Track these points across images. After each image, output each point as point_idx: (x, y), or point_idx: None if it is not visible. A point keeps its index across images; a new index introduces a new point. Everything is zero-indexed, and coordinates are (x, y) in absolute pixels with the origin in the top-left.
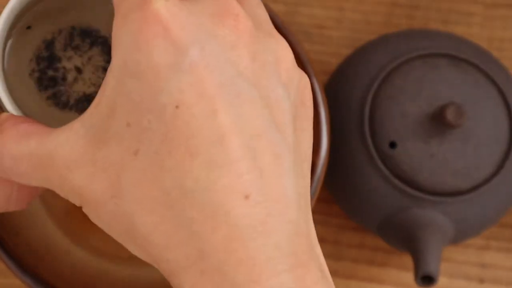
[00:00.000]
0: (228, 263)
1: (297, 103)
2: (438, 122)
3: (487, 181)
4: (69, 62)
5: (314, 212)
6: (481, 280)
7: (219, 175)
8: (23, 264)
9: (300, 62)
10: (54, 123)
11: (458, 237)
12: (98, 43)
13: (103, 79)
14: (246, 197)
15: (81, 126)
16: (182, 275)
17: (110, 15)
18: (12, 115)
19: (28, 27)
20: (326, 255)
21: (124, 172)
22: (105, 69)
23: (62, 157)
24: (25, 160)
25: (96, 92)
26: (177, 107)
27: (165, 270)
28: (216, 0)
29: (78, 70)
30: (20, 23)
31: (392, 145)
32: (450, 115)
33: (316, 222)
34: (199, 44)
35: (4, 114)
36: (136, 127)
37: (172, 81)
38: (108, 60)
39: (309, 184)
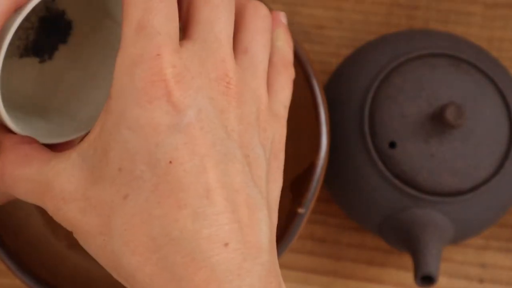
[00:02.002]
0: None
1: (271, 158)
2: (438, 122)
3: (486, 181)
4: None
5: (314, 212)
6: (481, 280)
7: (203, 225)
8: (23, 264)
9: (300, 62)
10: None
11: (458, 237)
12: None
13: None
14: (226, 244)
15: (78, 156)
16: None
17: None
18: (10, 133)
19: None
20: (326, 255)
21: (114, 214)
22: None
23: (58, 187)
24: (24, 183)
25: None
26: (170, 162)
27: None
28: (215, 64)
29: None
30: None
31: (392, 145)
32: (450, 115)
33: (316, 222)
34: (196, 107)
35: (1, 132)
36: (127, 173)
37: (168, 139)
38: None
39: (275, 227)
